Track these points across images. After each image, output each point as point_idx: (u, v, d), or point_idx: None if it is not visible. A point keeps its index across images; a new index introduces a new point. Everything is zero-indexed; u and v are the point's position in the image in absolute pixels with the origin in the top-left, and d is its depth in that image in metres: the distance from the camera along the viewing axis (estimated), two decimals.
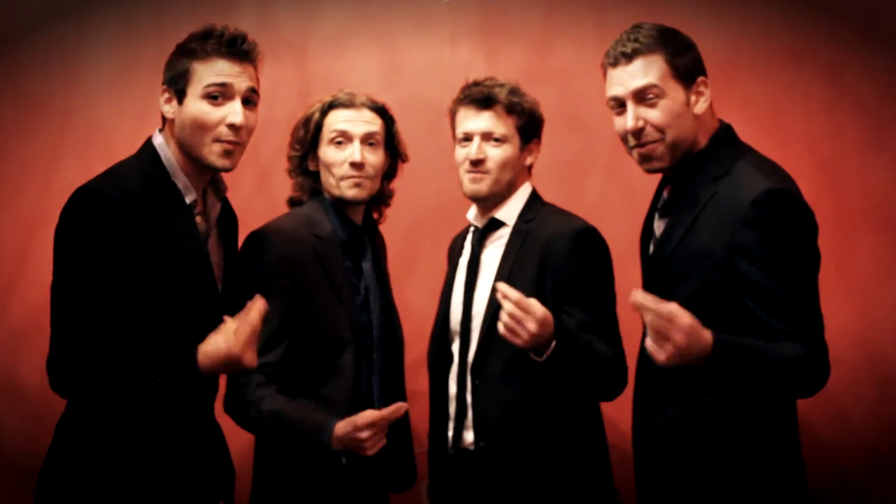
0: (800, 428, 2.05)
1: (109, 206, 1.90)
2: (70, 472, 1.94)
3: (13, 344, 3.21)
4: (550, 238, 2.28)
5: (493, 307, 2.24)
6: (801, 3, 3.00)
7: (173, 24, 3.14)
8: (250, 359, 1.91)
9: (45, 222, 3.15)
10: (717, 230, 1.97)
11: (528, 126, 2.37)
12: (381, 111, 2.42)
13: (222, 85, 2.02)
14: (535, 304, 2.00)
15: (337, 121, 2.36)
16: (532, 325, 1.99)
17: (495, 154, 2.33)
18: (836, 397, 2.81)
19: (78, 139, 3.25)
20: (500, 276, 2.29)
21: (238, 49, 2.04)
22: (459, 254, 2.48)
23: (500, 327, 2.01)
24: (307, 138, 2.38)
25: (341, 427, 2.09)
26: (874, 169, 2.91)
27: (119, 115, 3.22)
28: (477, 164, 2.32)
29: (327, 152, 2.36)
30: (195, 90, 2.02)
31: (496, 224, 2.38)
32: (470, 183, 2.35)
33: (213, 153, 2.03)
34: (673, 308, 1.73)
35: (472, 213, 2.44)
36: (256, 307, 1.93)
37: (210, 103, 2.01)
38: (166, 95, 2.06)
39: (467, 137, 2.35)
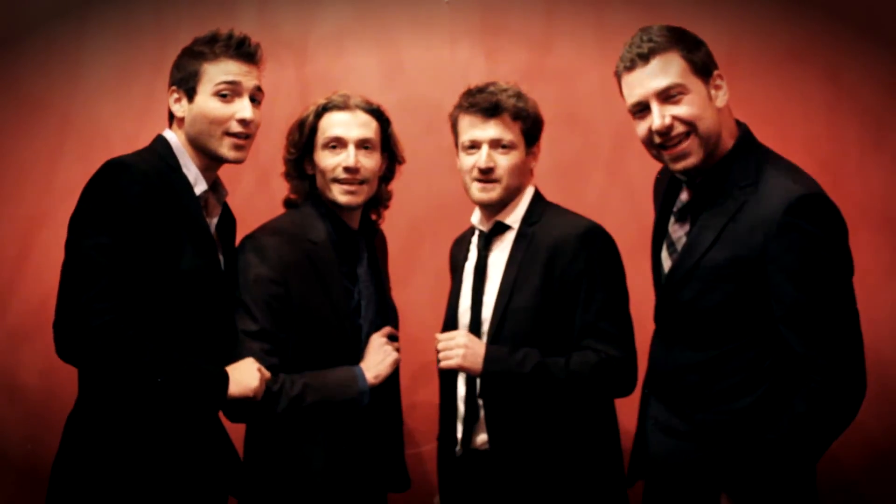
0: None
1: (139, 179, 1.97)
2: (81, 468, 1.95)
3: (13, 344, 3.21)
4: (556, 241, 2.27)
5: (502, 309, 2.26)
6: (801, 3, 3.00)
7: (173, 24, 3.14)
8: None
9: (45, 222, 3.18)
10: (747, 239, 1.94)
11: (533, 130, 2.37)
12: (377, 113, 2.38)
13: (232, 83, 2.12)
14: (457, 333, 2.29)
15: (331, 125, 2.34)
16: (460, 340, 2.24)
17: (504, 161, 2.32)
18: None
19: (78, 139, 3.25)
20: (506, 281, 2.29)
21: (245, 50, 2.15)
22: (465, 258, 2.46)
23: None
24: (302, 142, 2.37)
25: (365, 362, 2.26)
26: (874, 169, 2.91)
27: (119, 115, 3.22)
28: (487, 172, 2.31)
29: (322, 157, 2.34)
30: (206, 89, 2.12)
31: (502, 228, 2.38)
32: (480, 192, 2.34)
33: (224, 146, 2.13)
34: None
35: (476, 217, 2.43)
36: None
37: (220, 100, 2.12)
38: (175, 95, 2.15)
39: (474, 145, 2.34)
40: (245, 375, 2.07)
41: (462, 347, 2.24)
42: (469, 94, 2.37)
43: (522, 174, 2.36)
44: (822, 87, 2.96)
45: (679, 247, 2.11)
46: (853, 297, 1.95)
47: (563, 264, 2.24)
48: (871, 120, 2.92)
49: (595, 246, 2.26)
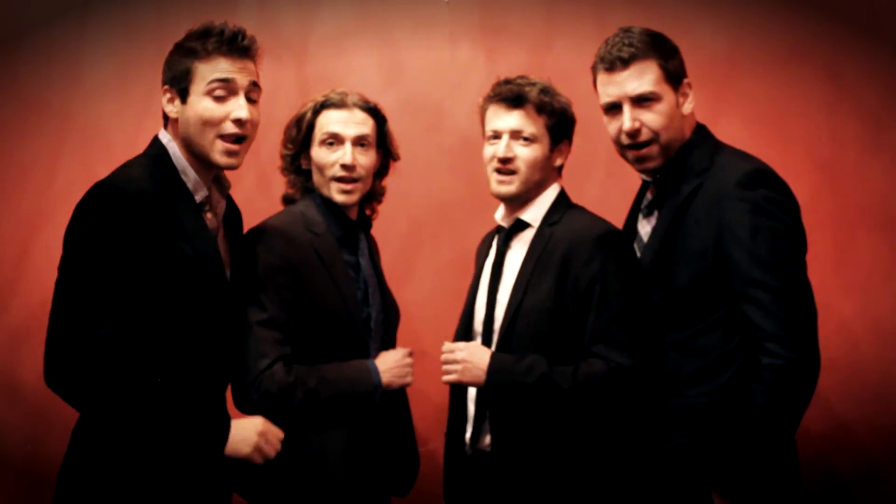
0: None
1: (129, 201, 1.91)
2: (89, 473, 1.93)
3: (13, 344, 3.21)
4: (572, 242, 2.24)
5: (514, 308, 2.25)
6: (801, 3, 2.99)
7: (173, 24, 3.14)
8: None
9: (45, 222, 3.19)
10: (705, 217, 2.05)
11: (559, 126, 2.33)
12: (373, 111, 2.40)
13: (225, 81, 2.04)
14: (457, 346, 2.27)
15: (328, 122, 2.35)
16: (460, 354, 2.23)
17: (524, 153, 2.29)
18: (834, 397, 2.81)
19: (78, 139, 3.25)
20: (520, 279, 2.27)
21: (239, 45, 2.06)
22: (486, 254, 2.46)
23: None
24: (299, 138, 2.38)
25: (382, 362, 2.27)
26: (874, 169, 2.91)
27: (119, 115, 3.22)
28: (505, 161, 2.29)
29: (319, 153, 2.35)
30: (198, 88, 2.04)
31: (522, 225, 2.35)
32: (498, 185, 2.32)
33: (217, 151, 2.05)
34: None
35: (499, 214, 2.42)
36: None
37: (214, 100, 2.04)
38: (168, 95, 2.08)
39: (496, 135, 2.32)
40: (242, 435, 2.00)
41: (461, 363, 2.23)
42: (497, 84, 2.36)
43: (544, 169, 2.33)
44: (822, 87, 2.96)
45: (646, 240, 2.21)
46: (805, 269, 2.03)
47: (576, 267, 2.21)
48: (871, 120, 2.92)
49: (611, 251, 2.22)
